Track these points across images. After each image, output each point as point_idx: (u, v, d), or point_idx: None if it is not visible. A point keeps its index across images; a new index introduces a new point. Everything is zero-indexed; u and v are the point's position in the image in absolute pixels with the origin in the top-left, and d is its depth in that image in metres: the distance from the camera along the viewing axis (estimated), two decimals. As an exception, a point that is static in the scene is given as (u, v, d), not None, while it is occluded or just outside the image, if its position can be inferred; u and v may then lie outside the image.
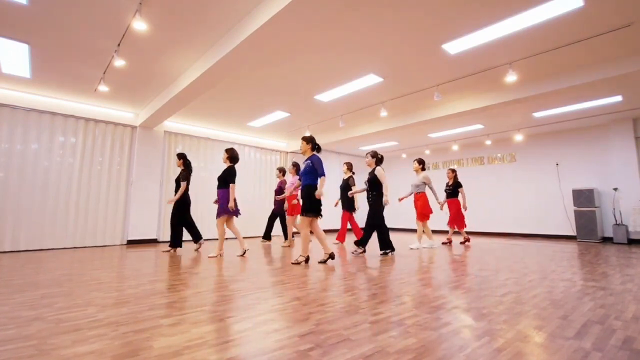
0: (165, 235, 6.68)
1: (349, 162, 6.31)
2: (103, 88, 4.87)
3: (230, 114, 6.59)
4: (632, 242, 6.54)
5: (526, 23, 3.43)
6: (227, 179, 4.58)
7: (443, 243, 6.39)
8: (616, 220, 6.75)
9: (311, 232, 4.20)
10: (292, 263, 3.98)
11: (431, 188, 5.79)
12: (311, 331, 1.77)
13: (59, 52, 4.08)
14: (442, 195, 7.88)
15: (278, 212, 6.29)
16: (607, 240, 6.97)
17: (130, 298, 2.43)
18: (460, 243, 6.50)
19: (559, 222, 7.62)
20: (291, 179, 5.83)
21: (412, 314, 2.07)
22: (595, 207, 6.82)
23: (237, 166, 7.95)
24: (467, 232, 9.08)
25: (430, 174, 10.15)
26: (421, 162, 5.87)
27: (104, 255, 4.75)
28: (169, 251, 5.13)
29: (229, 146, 8.02)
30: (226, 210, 4.51)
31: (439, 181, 9.86)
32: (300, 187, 4.20)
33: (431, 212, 5.68)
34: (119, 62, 3.92)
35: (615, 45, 3.90)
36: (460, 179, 9.45)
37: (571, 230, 7.38)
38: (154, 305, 2.24)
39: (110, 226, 6.08)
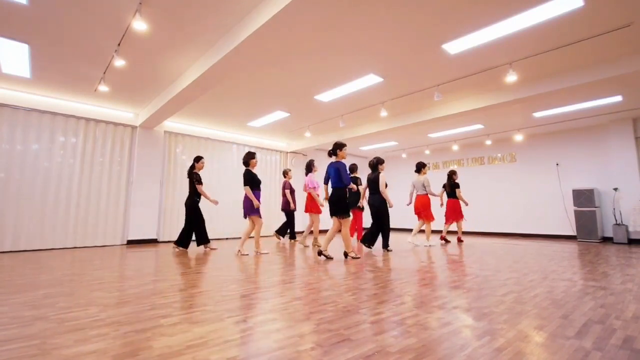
0: (166, 235, 6.72)
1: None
2: (103, 88, 4.87)
3: (230, 114, 6.59)
4: (632, 242, 6.55)
5: (526, 23, 3.43)
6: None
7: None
8: (616, 220, 6.76)
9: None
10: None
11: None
12: (312, 331, 1.77)
13: (59, 52, 4.08)
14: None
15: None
16: (607, 240, 6.98)
17: (132, 298, 2.44)
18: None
19: (559, 222, 7.62)
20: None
21: (412, 313, 2.08)
22: (596, 207, 6.82)
23: (235, 166, 7.99)
24: (467, 232, 9.09)
25: (430, 174, 10.17)
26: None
27: (104, 255, 4.75)
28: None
29: (229, 146, 8.05)
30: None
31: (439, 182, 9.87)
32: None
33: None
34: (119, 62, 3.92)
35: (615, 45, 3.91)
36: (460, 179, 9.48)
37: (571, 230, 7.39)
38: (155, 305, 2.24)
39: (110, 226, 6.08)
